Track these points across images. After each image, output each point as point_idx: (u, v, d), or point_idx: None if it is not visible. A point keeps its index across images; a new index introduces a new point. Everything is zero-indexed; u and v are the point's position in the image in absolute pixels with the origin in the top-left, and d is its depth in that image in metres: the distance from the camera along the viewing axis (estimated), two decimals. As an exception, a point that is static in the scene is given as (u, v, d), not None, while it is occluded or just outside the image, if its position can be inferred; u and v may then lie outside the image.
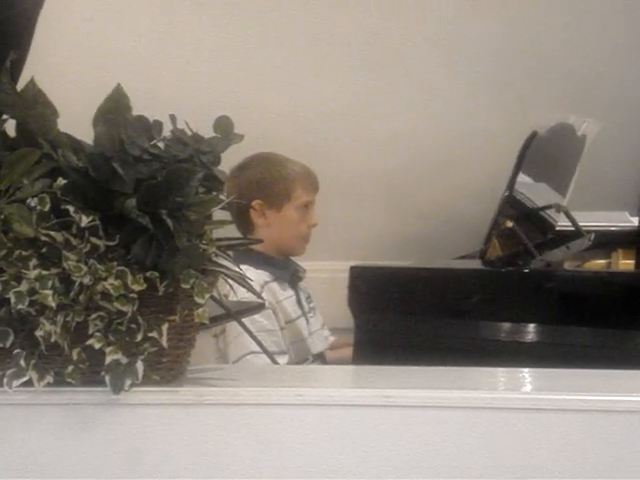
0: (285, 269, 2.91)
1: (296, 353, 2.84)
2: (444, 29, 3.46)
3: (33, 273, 1.53)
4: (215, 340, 2.81)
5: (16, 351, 1.57)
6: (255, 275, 2.76)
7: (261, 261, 2.84)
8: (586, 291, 2.56)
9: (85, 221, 1.55)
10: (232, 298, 2.01)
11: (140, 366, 1.57)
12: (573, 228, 2.98)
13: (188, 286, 1.59)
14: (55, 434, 1.60)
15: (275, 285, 2.85)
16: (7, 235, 1.54)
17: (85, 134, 1.61)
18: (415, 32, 3.46)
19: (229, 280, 1.72)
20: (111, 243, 1.56)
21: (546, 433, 1.56)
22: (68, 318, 1.54)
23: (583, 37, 3.48)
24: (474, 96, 3.49)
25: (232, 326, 2.64)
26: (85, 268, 1.54)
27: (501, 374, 1.82)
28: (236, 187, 2.86)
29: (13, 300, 1.53)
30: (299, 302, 2.92)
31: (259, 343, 2.23)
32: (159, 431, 1.60)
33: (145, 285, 1.55)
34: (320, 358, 2.94)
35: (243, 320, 2.25)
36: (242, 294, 1.95)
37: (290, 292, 2.89)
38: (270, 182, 2.89)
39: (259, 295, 1.94)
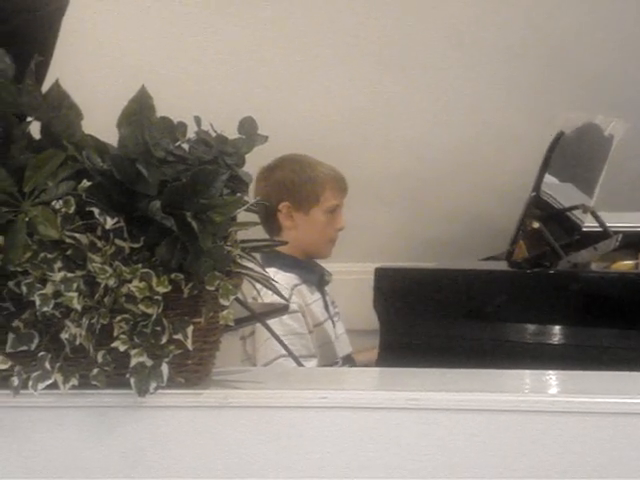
0: (313, 272, 2.90)
1: (324, 356, 2.83)
2: (464, 31, 3.45)
3: (58, 275, 1.53)
4: (242, 342, 2.81)
5: (41, 354, 1.57)
6: (284, 278, 2.75)
7: (289, 264, 2.83)
8: (613, 292, 2.54)
9: (110, 223, 1.55)
10: (260, 300, 2.01)
11: (165, 368, 1.56)
12: (600, 229, 2.96)
13: (213, 288, 1.58)
14: (80, 436, 1.60)
15: (304, 288, 2.84)
16: (32, 237, 1.54)
17: (110, 137, 1.61)
18: (435, 34, 3.45)
19: (255, 282, 1.72)
20: (136, 245, 1.56)
21: (573, 436, 1.55)
22: (93, 320, 1.54)
23: (608, 35, 3.46)
24: (496, 96, 3.47)
25: (261, 329, 2.63)
26: (110, 270, 1.54)
27: (527, 376, 1.81)
28: (264, 189, 2.86)
29: (38, 303, 1.53)
30: (326, 306, 2.91)
31: (285, 346, 2.22)
32: (184, 433, 1.60)
33: (170, 287, 1.55)
34: (349, 361, 2.93)
35: (274, 324, 2.24)
36: (270, 297, 1.94)
37: (318, 295, 2.89)
38: (298, 185, 2.87)
39: (284, 297, 1.93)
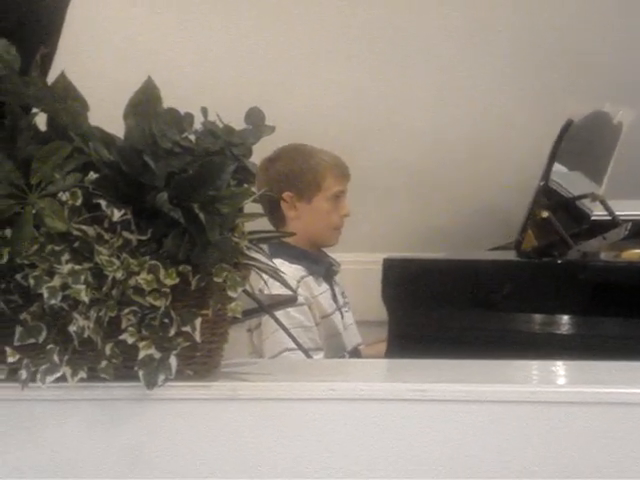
0: (320, 263, 2.88)
1: (331, 348, 2.82)
2: (470, 23, 3.44)
3: (66, 268, 1.53)
4: (249, 335, 2.80)
5: (49, 346, 1.56)
6: (291, 270, 2.74)
7: (296, 255, 2.82)
8: (623, 282, 2.53)
9: (117, 215, 1.55)
10: (267, 292, 2.01)
11: (173, 361, 1.56)
12: (609, 217, 2.95)
13: (221, 280, 1.58)
14: (88, 429, 1.60)
15: (311, 280, 2.83)
16: (39, 230, 1.54)
17: (116, 128, 1.60)
18: (440, 26, 3.44)
19: (262, 274, 1.71)
20: (143, 237, 1.56)
21: (582, 426, 1.55)
22: (101, 313, 1.54)
23: (613, 24, 3.45)
24: (503, 85, 3.47)
25: (268, 322, 2.62)
26: (117, 262, 1.53)
27: (536, 367, 1.80)
28: (266, 179, 2.84)
29: (46, 295, 1.53)
30: (334, 297, 2.90)
31: (294, 339, 2.22)
32: (193, 426, 1.59)
33: (178, 279, 1.55)
34: (355, 354, 2.92)
35: (279, 317, 2.23)
36: (277, 289, 1.93)
37: (325, 287, 2.87)
38: (299, 173, 2.86)
39: (292, 288, 1.92)
